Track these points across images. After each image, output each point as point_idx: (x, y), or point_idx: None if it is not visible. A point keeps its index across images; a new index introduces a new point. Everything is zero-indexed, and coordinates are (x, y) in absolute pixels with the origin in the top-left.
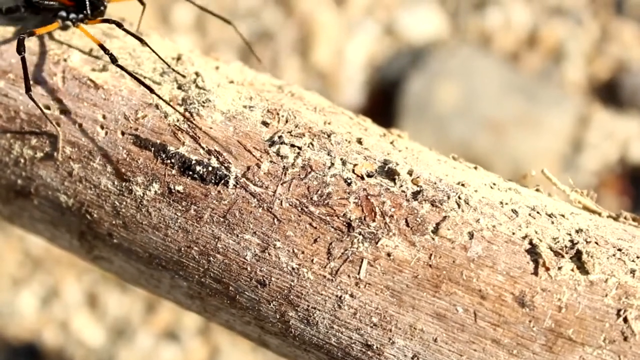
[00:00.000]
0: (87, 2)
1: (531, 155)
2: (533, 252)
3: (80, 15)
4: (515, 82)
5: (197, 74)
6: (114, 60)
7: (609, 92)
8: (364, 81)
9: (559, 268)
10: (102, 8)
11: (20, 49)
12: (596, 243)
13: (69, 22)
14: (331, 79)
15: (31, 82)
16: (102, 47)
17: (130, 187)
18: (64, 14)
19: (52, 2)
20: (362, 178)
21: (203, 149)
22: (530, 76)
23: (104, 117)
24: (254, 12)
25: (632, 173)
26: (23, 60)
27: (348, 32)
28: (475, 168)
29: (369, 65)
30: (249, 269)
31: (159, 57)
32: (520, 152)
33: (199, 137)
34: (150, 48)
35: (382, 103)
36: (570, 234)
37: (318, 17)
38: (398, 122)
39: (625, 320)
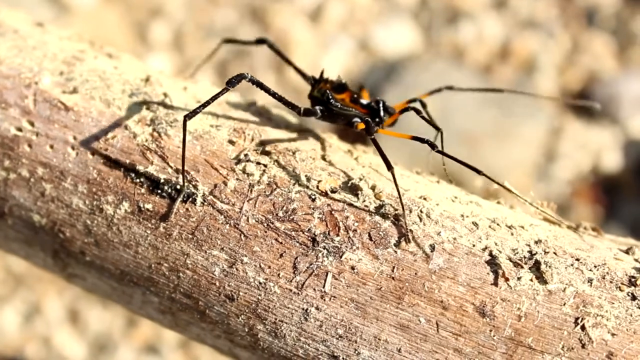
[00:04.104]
0: (382, 112)
1: (506, 167)
2: (493, 263)
3: (374, 123)
4: (489, 95)
5: (165, 94)
6: (433, 146)
7: None
8: None
9: (519, 278)
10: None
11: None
12: (554, 253)
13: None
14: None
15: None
16: (415, 138)
17: (100, 206)
18: (358, 120)
19: (350, 110)
20: (326, 194)
21: (171, 168)
22: (504, 88)
23: (74, 138)
24: (231, 29)
25: (604, 182)
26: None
27: (323, 48)
28: (438, 182)
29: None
30: (217, 284)
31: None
32: (495, 163)
33: (167, 157)
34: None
35: None
36: (529, 245)
37: (294, 33)
38: None
39: (583, 328)
